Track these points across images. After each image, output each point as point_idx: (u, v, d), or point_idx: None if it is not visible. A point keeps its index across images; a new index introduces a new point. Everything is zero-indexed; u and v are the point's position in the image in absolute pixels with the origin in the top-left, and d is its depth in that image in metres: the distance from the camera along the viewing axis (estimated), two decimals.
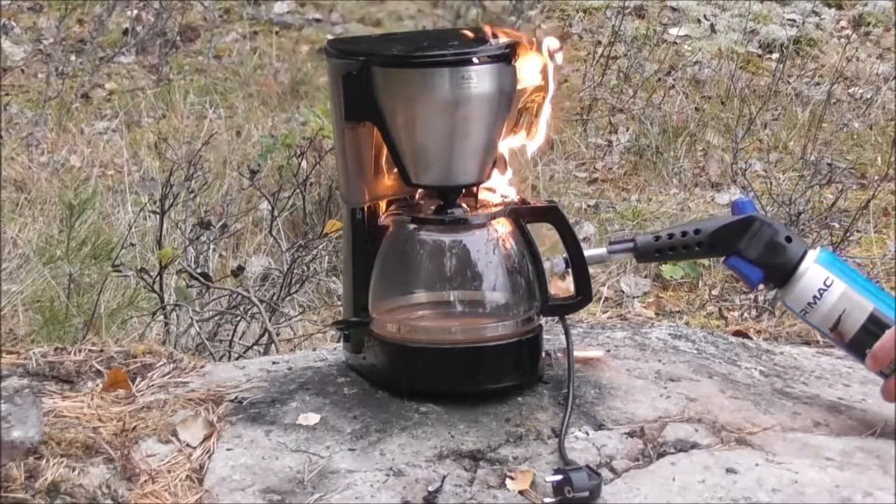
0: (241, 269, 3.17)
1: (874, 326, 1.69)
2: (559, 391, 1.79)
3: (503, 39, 1.76)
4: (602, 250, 1.80)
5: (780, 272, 1.73)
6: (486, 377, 1.78)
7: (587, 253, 1.81)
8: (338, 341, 2.07)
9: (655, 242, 1.77)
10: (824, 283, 1.71)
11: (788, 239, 1.73)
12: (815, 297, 1.71)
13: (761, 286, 1.77)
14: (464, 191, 1.81)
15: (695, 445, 1.67)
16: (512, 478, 1.62)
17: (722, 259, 1.77)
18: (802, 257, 1.72)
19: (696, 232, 1.75)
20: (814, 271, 1.71)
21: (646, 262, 1.84)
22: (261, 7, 6.14)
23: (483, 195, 1.83)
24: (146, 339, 2.95)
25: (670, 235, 1.76)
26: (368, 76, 1.75)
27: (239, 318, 2.99)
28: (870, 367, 1.72)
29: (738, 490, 1.57)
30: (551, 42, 1.80)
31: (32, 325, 3.18)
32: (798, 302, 1.73)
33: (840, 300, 1.70)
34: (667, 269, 3.81)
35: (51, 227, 3.89)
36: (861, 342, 1.71)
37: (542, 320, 1.83)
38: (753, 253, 1.73)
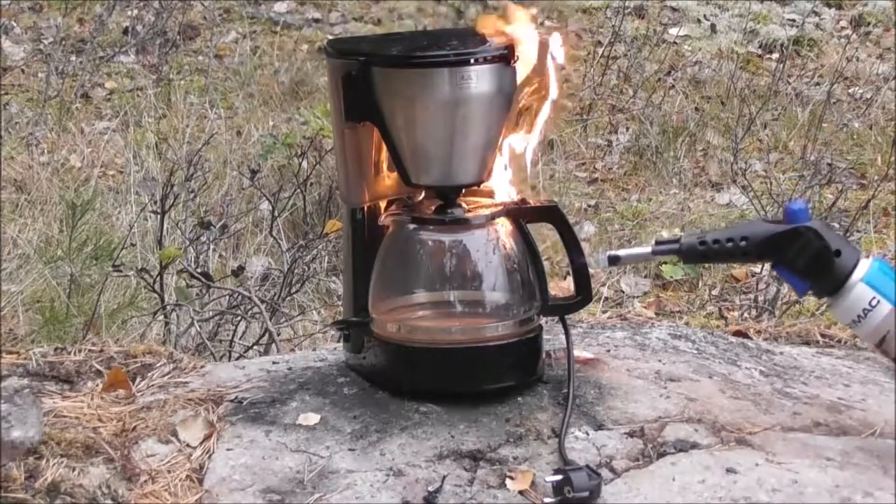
0: (241, 269, 3.17)
1: None
2: (559, 391, 1.79)
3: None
4: (647, 249, 1.77)
5: (827, 286, 1.69)
6: (486, 377, 1.78)
7: (632, 252, 1.80)
8: (338, 341, 2.07)
9: (700, 247, 1.72)
10: (869, 304, 1.67)
11: (838, 253, 1.68)
12: (859, 315, 1.68)
13: (810, 293, 1.74)
14: (464, 190, 1.81)
15: (695, 445, 1.67)
16: (512, 478, 1.62)
17: (770, 265, 1.74)
18: (852, 271, 1.68)
19: (743, 239, 1.71)
20: (860, 290, 1.67)
21: (690, 263, 1.82)
22: (261, 6, 6.14)
23: (482, 195, 1.83)
24: (146, 339, 2.95)
25: (716, 241, 1.72)
26: (368, 76, 1.75)
27: (239, 318, 2.99)
28: None
29: (738, 490, 1.57)
30: (554, 39, 1.79)
31: (32, 325, 3.17)
32: (844, 316, 1.70)
33: (885, 321, 1.67)
34: (667, 269, 3.81)
35: (51, 227, 3.89)
36: None
37: (542, 320, 1.83)
38: (800, 265, 1.69)
